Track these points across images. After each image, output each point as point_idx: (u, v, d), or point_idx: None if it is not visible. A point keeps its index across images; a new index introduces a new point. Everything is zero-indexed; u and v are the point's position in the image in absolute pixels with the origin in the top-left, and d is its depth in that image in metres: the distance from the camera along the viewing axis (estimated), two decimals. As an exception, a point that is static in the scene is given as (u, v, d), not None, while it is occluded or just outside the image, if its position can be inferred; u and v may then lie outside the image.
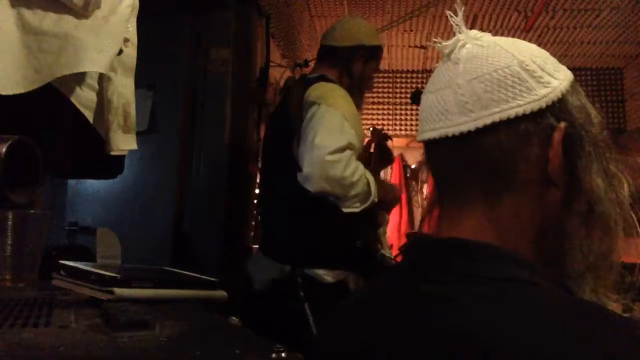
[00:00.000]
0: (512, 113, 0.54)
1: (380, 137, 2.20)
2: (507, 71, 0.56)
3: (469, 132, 0.55)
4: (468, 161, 0.57)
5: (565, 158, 0.55)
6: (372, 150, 2.22)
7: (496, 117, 0.54)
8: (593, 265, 0.55)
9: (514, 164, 0.55)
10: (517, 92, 0.55)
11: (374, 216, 1.86)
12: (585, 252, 0.55)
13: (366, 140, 2.18)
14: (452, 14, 0.60)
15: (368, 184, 1.71)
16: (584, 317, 0.45)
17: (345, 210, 1.70)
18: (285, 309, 1.76)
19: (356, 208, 1.71)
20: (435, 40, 0.61)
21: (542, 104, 0.54)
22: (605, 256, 0.55)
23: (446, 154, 0.59)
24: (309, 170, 1.68)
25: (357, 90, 1.94)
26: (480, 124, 0.55)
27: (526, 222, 0.56)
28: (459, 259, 0.54)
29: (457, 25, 0.60)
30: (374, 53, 1.95)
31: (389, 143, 2.28)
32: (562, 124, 0.55)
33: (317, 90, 1.80)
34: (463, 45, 0.59)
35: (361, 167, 1.71)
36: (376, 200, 1.74)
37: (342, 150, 1.66)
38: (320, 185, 1.66)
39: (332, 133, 1.69)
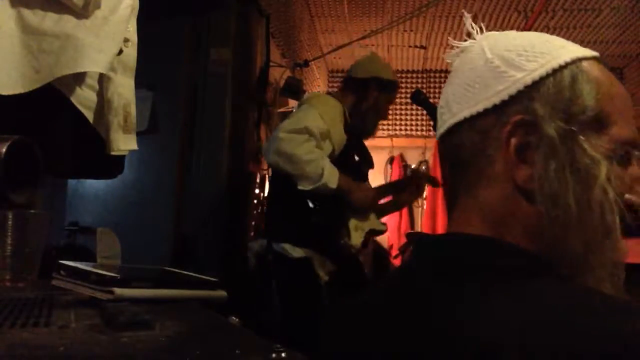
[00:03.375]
0: (466, 114, 0.57)
1: (418, 177, 2.42)
2: (473, 73, 0.58)
3: (442, 135, 0.61)
4: (447, 161, 0.62)
5: (520, 157, 0.54)
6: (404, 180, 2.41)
7: (456, 119, 0.58)
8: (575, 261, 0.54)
9: (478, 160, 0.57)
10: (476, 92, 0.57)
11: (340, 204, 1.99)
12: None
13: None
14: (467, 21, 0.62)
15: (323, 168, 1.88)
16: (583, 310, 0.45)
17: (299, 187, 1.88)
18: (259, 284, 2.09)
19: (307, 187, 1.88)
20: (449, 52, 0.63)
21: (496, 99, 0.55)
22: (579, 259, 0.52)
23: (441, 156, 0.64)
24: (266, 144, 1.99)
25: (372, 117, 2.18)
26: (446, 127, 0.60)
27: (508, 213, 0.55)
28: (454, 254, 0.55)
29: (469, 32, 0.62)
30: (387, 86, 2.19)
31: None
32: (515, 118, 0.54)
33: (309, 95, 2.12)
34: (459, 53, 0.62)
35: (318, 152, 1.91)
36: (331, 186, 1.90)
37: (297, 131, 1.88)
38: (273, 158, 1.91)
39: (294, 119, 1.95)
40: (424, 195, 4.64)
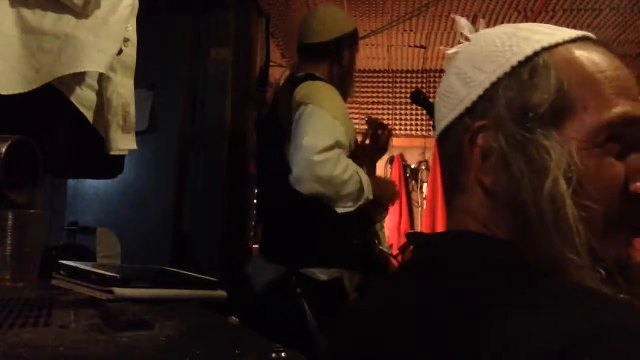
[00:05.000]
0: (443, 125, 0.58)
1: (375, 127, 2.14)
2: (447, 82, 0.59)
3: (436, 143, 0.62)
4: (441, 166, 0.63)
5: (482, 161, 0.54)
6: (367, 141, 2.15)
7: (438, 131, 0.60)
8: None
9: (456, 168, 0.58)
10: (449, 101, 0.58)
11: (370, 213, 1.84)
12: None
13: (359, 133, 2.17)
14: (460, 26, 0.61)
15: (361, 181, 1.70)
16: (572, 305, 0.44)
17: (339, 211, 1.69)
18: (284, 308, 1.76)
19: (350, 207, 1.70)
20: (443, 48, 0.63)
21: (462, 108, 0.55)
22: (558, 257, 0.49)
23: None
24: (298, 172, 1.68)
25: (349, 77, 1.98)
26: (435, 137, 0.62)
27: (489, 216, 0.55)
28: (444, 253, 0.56)
29: (461, 35, 0.61)
30: (356, 39, 1.99)
31: (385, 132, 2.22)
32: (475, 125, 0.54)
33: (305, 89, 1.80)
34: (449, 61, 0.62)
35: (352, 165, 1.71)
36: (371, 197, 1.73)
37: (330, 149, 1.66)
38: (311, 186, 1.66)
39: (319, 133, 1.68)
40: (424, 196, 4.64)
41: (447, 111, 0.57)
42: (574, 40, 0.54)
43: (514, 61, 0.53)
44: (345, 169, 1.67)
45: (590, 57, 0.53)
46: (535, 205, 0.49)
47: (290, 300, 1.74)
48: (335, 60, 1.93)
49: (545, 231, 0.49)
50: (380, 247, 1.89)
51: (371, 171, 1.99)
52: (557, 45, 0.53)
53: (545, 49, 0.53)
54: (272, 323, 1.70)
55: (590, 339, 0.39)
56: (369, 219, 1.87)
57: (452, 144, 0.57)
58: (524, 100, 0.52)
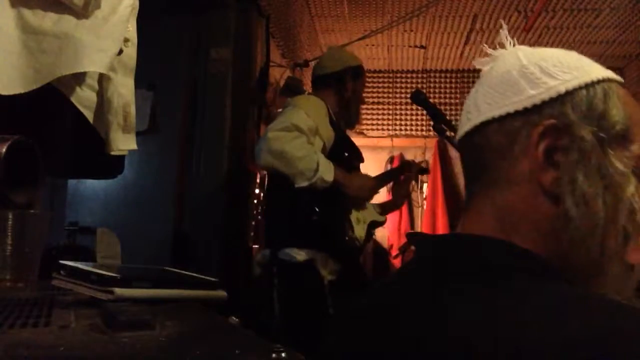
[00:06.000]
0: (495, 113, 0.58)
1: (413, 170, 2.41)
2: (506, 77, 0.59)
3: (466, 133, 0.61)
4: (466, 161, 0.62)
5: (548, 159, 0.55)
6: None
7: (484, 118, 0.59)
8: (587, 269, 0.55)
9: (501, 161, 0.57)
10: (507, 94, 0.58)
11: (337, 197, 1.98)
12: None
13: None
14: (503, 33, 0.63)
15: (317, 162, 1.86)
16: (580, 310, 0.44)
17: (295, 186, 1.87)
18: (264, 296, 1.97)
19: (303, 183, 1.86)
20: (483, 57, 0.64)
21: (528, 103, 0.56)
22: (593, 266, 0.54)
23: (461, 153, 0.66)
24: (256, 147, 1.94)
25: (355, 105, 2.22)
26: (471, 124, 0.60)
27: (525, 216, 0.55)
28: (461, 254, 0.55)
29: (502, 43, 0.63)
30: (359, 72, 2.24)
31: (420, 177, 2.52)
32: (548, 121, 0.55)
33: (293, 98, 2.13)
34: (492, 60, 0.63)
35: (310, 148, 1.90)
36: (327, 179, 1.88)
37: (285, 129, 1.88)
38: (265, 158, 1.88)
39: (281, 119, 1.94)
40: (424, 196, 4.64)
41: (504, 103, 0.58)
42: (619, 81, 0.60)
43: (587, 78, 0.57)
44: (299, 148, 1.85)
45: (631, 98, 0.60)
46: (606, 210, 0.54)
47: (267, 289, 1.94)
48: (339, 90, 2.17)
49: (603, 236, 0.54)
50: (350, 234, 1.99)
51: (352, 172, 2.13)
52: (612, 80, 0.59)
53: (610, 80, 0.59)
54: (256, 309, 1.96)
55: (599, 340, 0.40)
56: (338, 203, 1.99)
57: (503, 136, 0.57)
58: (598, 116, 0.56)
